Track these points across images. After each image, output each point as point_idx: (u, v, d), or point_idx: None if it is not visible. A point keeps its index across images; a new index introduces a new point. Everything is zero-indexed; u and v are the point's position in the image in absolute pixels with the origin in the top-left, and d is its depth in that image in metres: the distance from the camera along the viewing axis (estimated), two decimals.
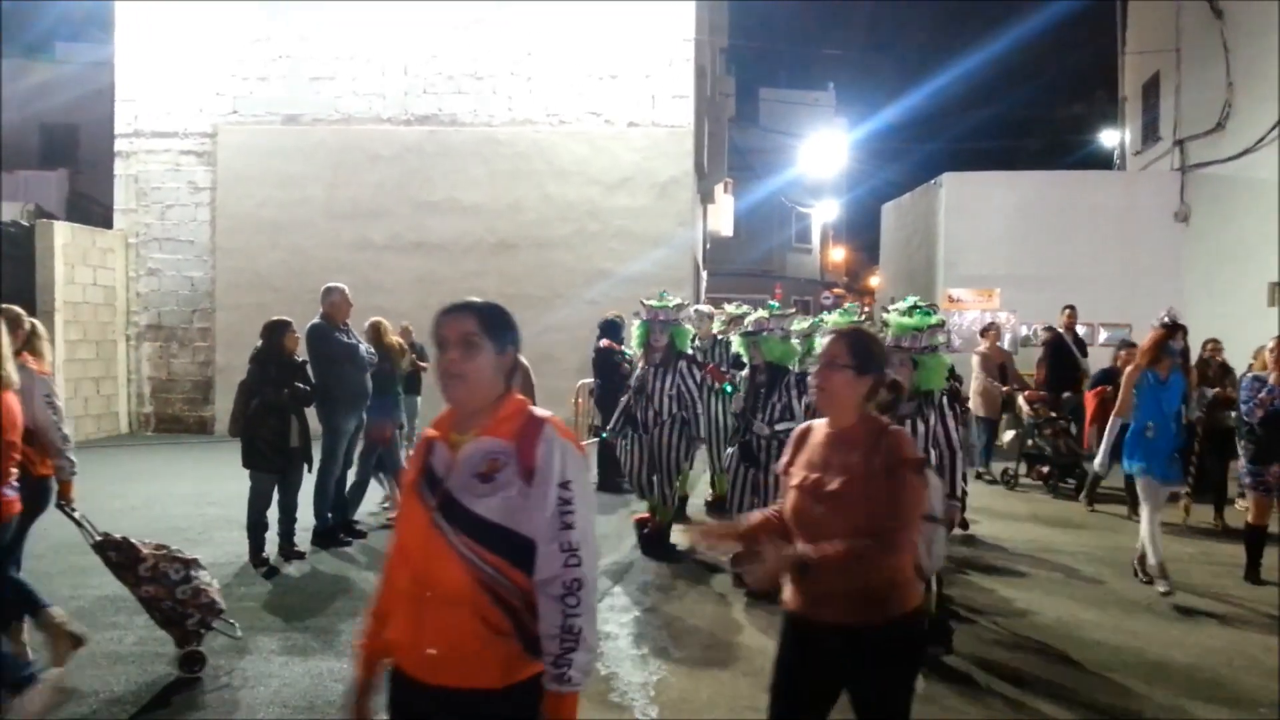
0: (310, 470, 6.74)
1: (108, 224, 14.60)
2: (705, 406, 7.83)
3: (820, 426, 2.77)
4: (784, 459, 2.83)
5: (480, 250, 14.21)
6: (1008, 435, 10.62)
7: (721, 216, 24.95)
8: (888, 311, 4.91)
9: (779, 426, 6.03)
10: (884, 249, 19.62)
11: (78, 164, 22.83)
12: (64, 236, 12.97)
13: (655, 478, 6.98)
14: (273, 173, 14.18)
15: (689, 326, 7.35)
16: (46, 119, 23.10)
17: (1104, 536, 8.09)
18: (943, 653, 4.96)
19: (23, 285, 12.42)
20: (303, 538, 6.85)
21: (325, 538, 6.99)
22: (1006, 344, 13.46)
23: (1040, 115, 30.41)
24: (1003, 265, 14.69)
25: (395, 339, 8.10)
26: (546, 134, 14.20)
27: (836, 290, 32.86)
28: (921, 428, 4.70)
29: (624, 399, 7.23)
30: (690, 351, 7.30)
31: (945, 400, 4.79)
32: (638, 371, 7.19)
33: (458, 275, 14.05)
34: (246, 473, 6.44)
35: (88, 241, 13.58)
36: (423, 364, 11.69)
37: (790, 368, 6.23)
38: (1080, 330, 14.44)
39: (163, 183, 14.41)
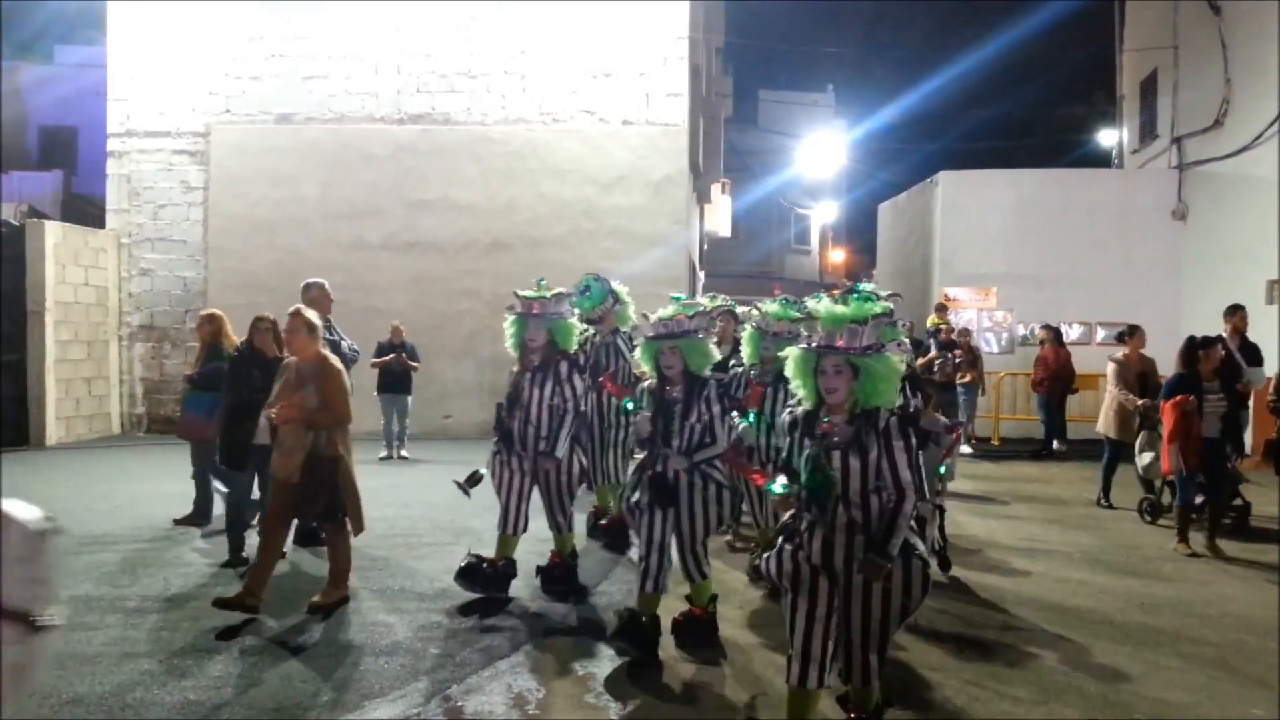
0: None
1: (103, 225, 14.55)
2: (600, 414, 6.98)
3: None
4: None
5: (475, 250, 14.14)
6: (1146, 458, 8.34)
7: (719, 217, 24.88)
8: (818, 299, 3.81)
9: (699, 456, 4.71)
10: (881, 248, 19.55)
11: (76, 166, 22.85)
12: (55, 236, 12.91)
13: (550, 507, 5.80)
14: (266, 172, 14.13)
15: (573, 321, 5.97)
16: (45, 121, 23.11)
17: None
18: None
19: (14, 285, 12.40)
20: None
21: (307, 537, 6.89)
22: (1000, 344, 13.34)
23: (1039, 116, 30.30)
24: (999, 264, 14.60)
25: (235, 338, 7.78)
26: (540, 132, 14.13)
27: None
28: (856, 463, 3.46)
29: (498, 408, 5.91)
30: (576, 352, 6.02)
31: (894, 423, 3.53)
32: (512, 377, 5.86)
33: (452, 275, 14.01)
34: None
35: (79, 241, 13.52)
36: (413, 364, 11.65)
37: (707, 376, 4.89)
38: (1077, 330, 14.39)
39: (155, 182, 14.36)
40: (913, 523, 3.63)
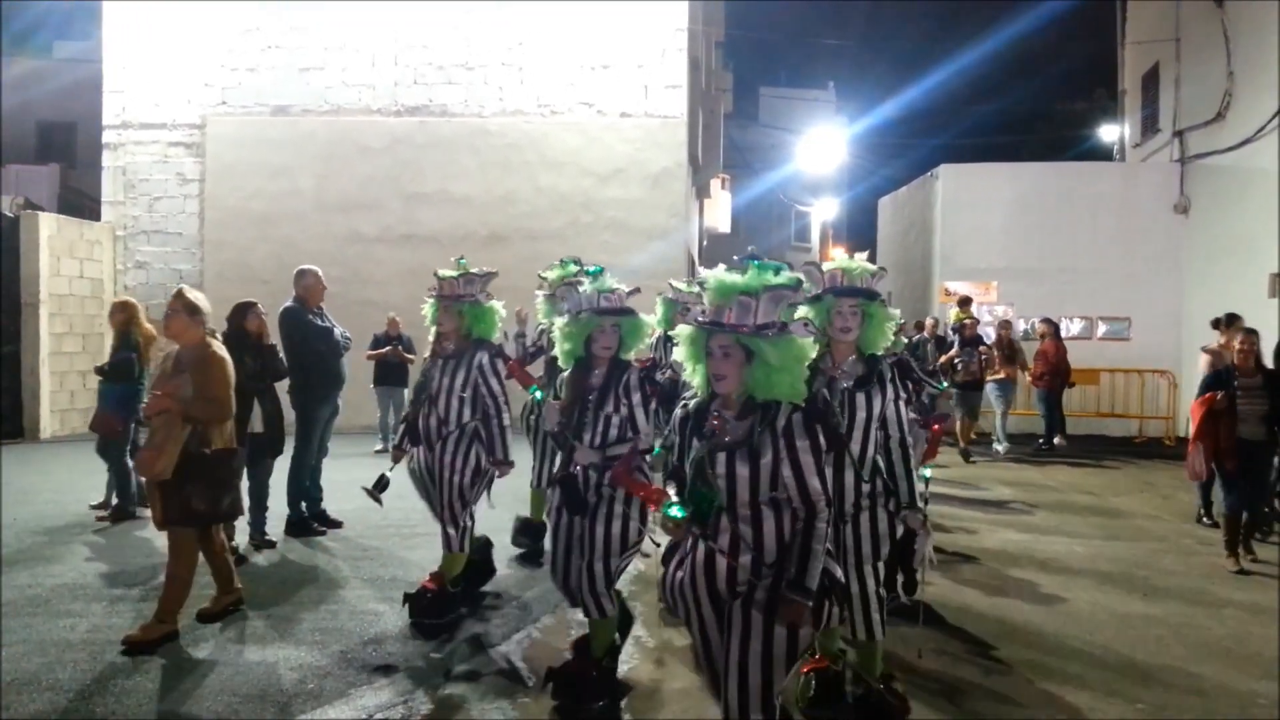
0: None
1: (99, 219, 14.47)
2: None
3: None
4: None
5: (472, 242, 14.01)
6: None
7: (719, 213, 24.80)
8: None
9: (612, 451, 4.00)
10: (880, 243, 19.46)
11: (75, 161, 22.78)
12: (50, 228, 12.85)
13: (439, 511, 5.04)
14: (262, 164, 14.06)
15: (494, 304, 5.25)
16: (43, 116, 23.02)
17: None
18: None
19: (9, 277, 12.33)
20: (277, 527, 6.71)
21: (298, 527, 6.84)
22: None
23: (1040, 111, 30.24)
24: (1000, 258, 14.52)
25: (149, 326, 7.65)
26: (538, 124, 14.06)
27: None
28: (744, 469, 2.82)
29: (410, 403, 5.35)
30: (496, 339, 5.28)
31: (798, 420, 2.83)
32: (423, 366, 5.25)
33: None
34: None
35: (75, 234, 13.45)
36: (409, 356, 11.57)
37: (631, 360, 4.22)
38: (1078, 325, 14.29)
39: (151, 174, 14.30)
40: (901, 537, 3.12)
